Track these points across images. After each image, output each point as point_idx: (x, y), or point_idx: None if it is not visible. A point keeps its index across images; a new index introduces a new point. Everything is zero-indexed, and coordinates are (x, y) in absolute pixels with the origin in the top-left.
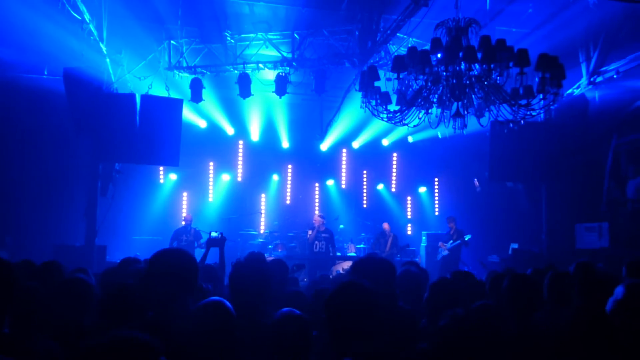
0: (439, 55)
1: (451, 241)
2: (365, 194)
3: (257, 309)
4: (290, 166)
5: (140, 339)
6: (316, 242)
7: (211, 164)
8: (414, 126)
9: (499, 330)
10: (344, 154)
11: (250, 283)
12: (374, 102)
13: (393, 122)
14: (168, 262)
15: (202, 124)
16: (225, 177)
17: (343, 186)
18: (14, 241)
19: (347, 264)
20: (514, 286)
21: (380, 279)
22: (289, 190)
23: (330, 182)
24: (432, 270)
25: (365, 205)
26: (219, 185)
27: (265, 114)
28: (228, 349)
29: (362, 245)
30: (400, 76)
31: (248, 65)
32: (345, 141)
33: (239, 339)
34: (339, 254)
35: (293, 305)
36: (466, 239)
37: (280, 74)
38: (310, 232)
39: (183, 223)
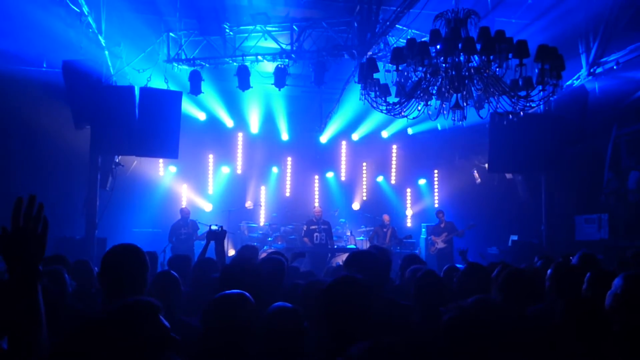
0: (438, 47)
1: (446, 233)
2: (364, 186)
3: None
4: (289, 158)
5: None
6: (316, 233)
7: (211, 156)
8: (413, 118)
9: (498, 322)
10: (344, 146)
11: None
12: (373, 94)
13: (392, 114)
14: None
15: (202, 116)
16: (225, 170)
17: (343, 178)
18: None
19: (346, 257)
20: (509, 280)
21: (369, 271)
22: (288, 182)
23: (329, 175)
24: (429, 262)
25: (365, 198)
26: (218, 177)
27: (264, 106)
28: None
29: (361, 238)
30: (400, 68)
31: (247, 57)
32: (345, 133)
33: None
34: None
35: (289, 299)
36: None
37: (279, 66)
38: (305, 227)
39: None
